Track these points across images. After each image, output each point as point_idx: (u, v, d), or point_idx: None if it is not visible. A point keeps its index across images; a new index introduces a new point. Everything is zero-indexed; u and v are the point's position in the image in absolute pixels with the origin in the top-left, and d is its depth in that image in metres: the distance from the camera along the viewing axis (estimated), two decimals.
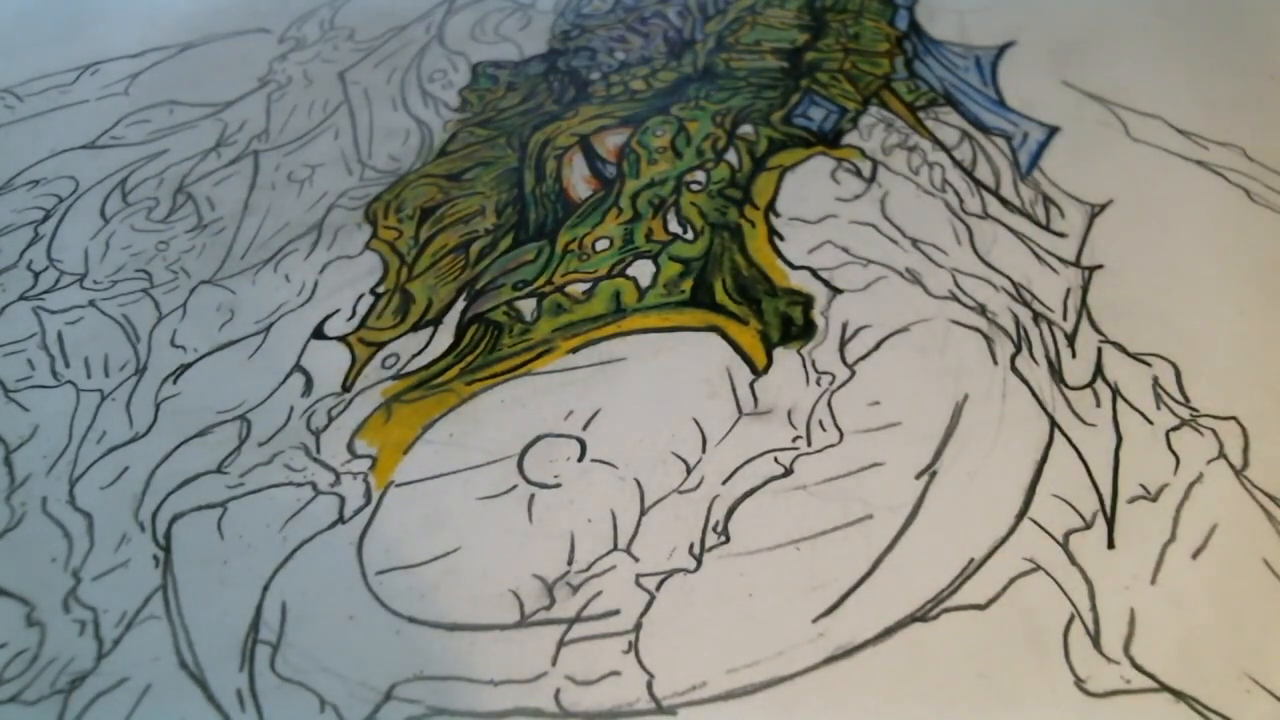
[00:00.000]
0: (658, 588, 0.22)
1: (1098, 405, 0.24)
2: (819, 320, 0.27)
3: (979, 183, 0.30)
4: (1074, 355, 0.26)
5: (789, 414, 0.25)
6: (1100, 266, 0.28)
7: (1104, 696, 0.20)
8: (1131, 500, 0.23)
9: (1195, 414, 0.24)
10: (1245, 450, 0.23)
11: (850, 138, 0.32)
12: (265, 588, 0.23)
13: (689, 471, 0.24)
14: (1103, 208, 0.29)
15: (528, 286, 0.28)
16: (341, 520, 0.24)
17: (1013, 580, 0.21)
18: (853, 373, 0.26)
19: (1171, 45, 0.35)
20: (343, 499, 0.24)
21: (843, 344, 0.26)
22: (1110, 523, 0.22)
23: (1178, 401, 0.24)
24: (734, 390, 0.25)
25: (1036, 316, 0.27)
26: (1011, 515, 0.23)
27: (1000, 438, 0.24)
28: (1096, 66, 0.34)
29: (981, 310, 0.27)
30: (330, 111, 0.36)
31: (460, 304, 0.28)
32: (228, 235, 0.32)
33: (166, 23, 0.41)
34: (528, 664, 0.21)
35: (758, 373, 0.26)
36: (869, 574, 0.22)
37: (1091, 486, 0.23)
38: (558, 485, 0.24)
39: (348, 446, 0.25)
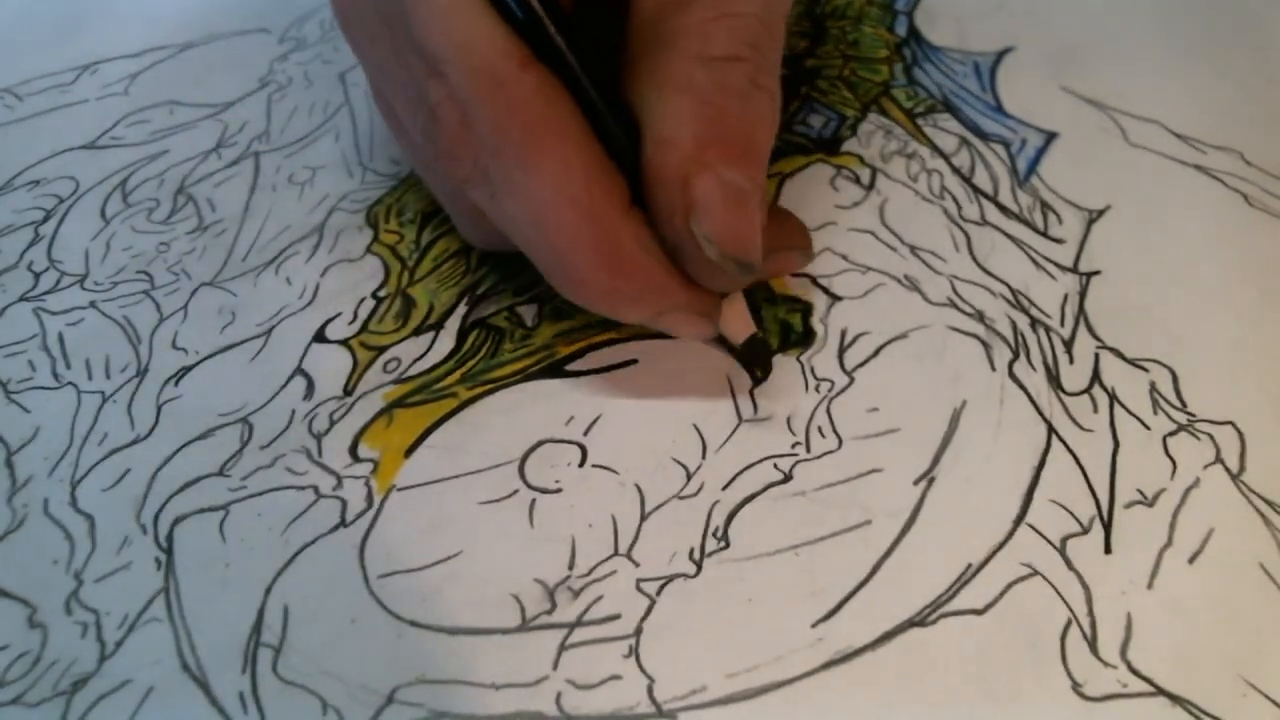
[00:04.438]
0: (658, 593, 0.22)
1: (1095, 411, 0.25)
2: (818, 327, 0.27)
3: (977, 189, 0.30)
4: (1071, 361, 0.26)
5: (788, 420, 0.25)
6: (1098, 272, 0.28)
7: (1101, 700, 0.20)
8: (1128, 505, 0.23)
9: (1192, 419, 0.24)
10: (1242, 455, 0.23)
11: (849, 145, 0.32)
12: (267, 591, 0.22)
13: (689, 477, 0.24)
14: (1100, 213, 0.29)
15: (529, 291, 0.28)
16: (343, 524, 0.24)
17: (1010, 585, 0.21)
18: (851, 379, 0.26)
19: (1170, 50, 0.35)
20: (345, 502, 0.24)
21: (841, 351, 0.26)
22: (1107, 528, 0.22)
23: (1175, 407, 0.24)
24: (734, 397, 0.26)
25: (1034, 323, 0.27)
26: (1009, 521, 0.23)
27: (998, 444, 0.24)
28: (1095, 71, 0.34)
29: (979, 317, 0.27)
30: (331, 113, 0.36)
31: (462, 309, 0.28)
32: (229, 237, 0.31)
33: (166, 23, 0.41)
34: (529, 668, 0.21)
35: (757, 379, 0.26)
36: (867, 579, 0.22)
37: (1089, 492, 0.23)
38: (559, 490, 0.24)
39: (350, 450, 0.25)
